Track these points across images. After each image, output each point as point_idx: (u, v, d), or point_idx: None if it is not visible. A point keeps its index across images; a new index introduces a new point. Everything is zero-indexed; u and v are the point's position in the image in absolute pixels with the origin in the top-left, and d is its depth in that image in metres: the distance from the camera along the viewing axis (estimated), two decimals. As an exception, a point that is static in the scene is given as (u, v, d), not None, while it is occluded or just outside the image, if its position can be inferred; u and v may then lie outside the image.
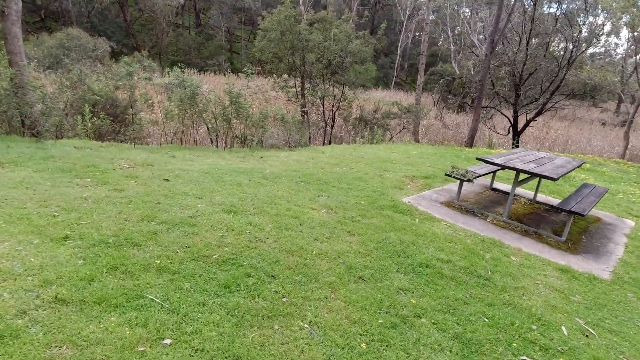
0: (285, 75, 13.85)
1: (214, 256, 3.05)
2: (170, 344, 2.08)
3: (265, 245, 3.36)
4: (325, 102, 13.66)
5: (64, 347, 1.93)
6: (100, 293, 2.37)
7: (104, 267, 2.65)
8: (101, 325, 2.12)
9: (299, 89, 13.65)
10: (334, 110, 13.76)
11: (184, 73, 10.33)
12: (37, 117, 7.37)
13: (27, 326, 2.03)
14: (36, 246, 2.80)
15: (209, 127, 9.75)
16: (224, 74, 26.44)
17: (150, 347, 2.03)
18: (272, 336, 2.26)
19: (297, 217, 4.09)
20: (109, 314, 2.22)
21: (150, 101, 9.35)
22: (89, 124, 8.26)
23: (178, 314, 2.31)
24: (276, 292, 2.71)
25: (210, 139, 10.18)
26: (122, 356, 1.93)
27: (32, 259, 2.63)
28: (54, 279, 2.45)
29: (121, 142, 8.99)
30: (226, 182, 5.08)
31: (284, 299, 2.64)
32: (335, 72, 13.23)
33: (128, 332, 2.09)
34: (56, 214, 3.39)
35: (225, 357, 2.04)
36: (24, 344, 1.91)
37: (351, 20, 14.41)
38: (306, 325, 2.40)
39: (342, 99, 13.68)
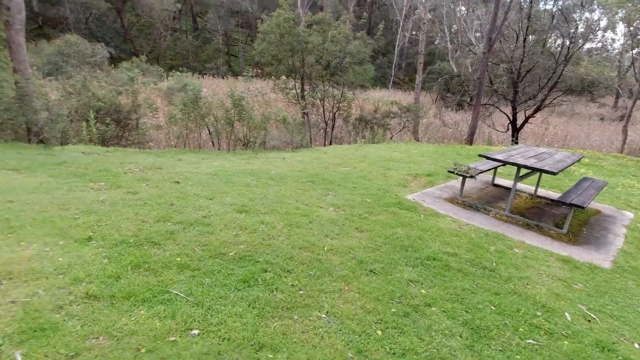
0: (284, 77, 13.97)
1: (231, 253, 3.18)
2: (198, 334, 2.21)
3: (278, 242, 3.49)
4: (325, 103, 13.79)
5: (101, 338, 2.06)
6: (127, 289, 2.50)
7: (128, 265, 2.79)
8: (132, 318, 2.25)
9: (298, 91, 13.78)
10: (334, 111, 13.89)
11: (186, 77, 10.46)
12: (43, 124, 7.50)
13: (64, 320, 2.16)
14: (62, 247, 2.94)
15: (211, 130, 9.88)
16: (223, 77, 26.57)
17: (180, 337, 2.16)
18: (293, 326, 2.39)
19: (307, 215, 4.23)
20: (138, 308, 2.35)
21: (154, 106, 9.46)
22: (94, 130, 8.39)
23: (203, 307, 2.44)
24: (293, 285, 2.84)
25: (212, 142, 10.31)
26: (155, 345, 2.06)
27: (60, 259, 2.76)
28: (83, 276, 2.58)
29: (124, 146, 9.12)
30: (235, 183, 5.21)
31: (300, 292, 2.77)
32: (335, 73, 13.37)
33: (158, 324, 2.23)
34: (77, 216, 3.52)
35: (251, 345, 2.17)
36: (64, 336, 2.04)
37: (348, 22, 14.51)
38: (323, 315, 2.53)
39: (341, 99, 13.82)
